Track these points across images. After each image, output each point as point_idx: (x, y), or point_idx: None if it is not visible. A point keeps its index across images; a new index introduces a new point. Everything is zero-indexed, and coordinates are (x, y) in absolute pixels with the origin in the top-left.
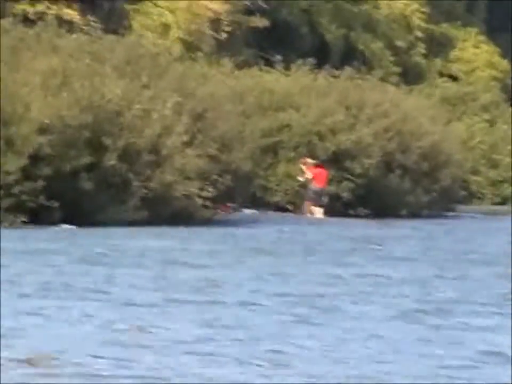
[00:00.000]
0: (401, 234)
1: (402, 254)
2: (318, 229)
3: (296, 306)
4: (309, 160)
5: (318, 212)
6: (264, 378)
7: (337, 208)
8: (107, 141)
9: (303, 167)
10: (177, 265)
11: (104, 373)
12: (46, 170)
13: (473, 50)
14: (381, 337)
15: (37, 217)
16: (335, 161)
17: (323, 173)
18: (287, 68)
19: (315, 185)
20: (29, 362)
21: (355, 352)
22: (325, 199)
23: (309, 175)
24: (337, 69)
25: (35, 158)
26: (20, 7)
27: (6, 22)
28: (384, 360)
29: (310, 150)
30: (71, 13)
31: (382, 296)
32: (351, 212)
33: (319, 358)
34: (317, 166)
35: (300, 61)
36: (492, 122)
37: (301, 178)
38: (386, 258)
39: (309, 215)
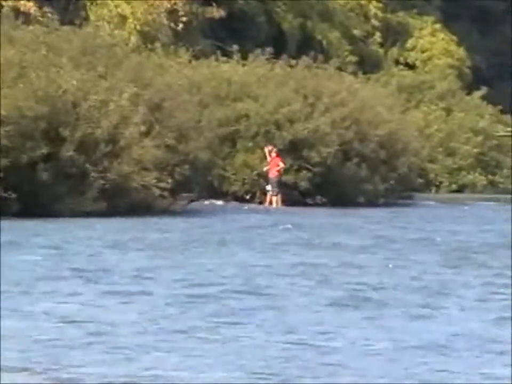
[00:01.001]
0: (347, 222)
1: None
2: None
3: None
4: (273, 148)
5: (276, 202)
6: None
7: (295, 197)
8: (64, 132)
9: (268, 154)
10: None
11: None
12: (3, 162)
13: (430, 38)
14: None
15: None
16: (293, 150)
17: (280, 162)
18: (244, 58)
19: (274, 175)
20: None
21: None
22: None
23: (273, 162)
24: (294, 58)
25: None
26: None
27: None
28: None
29: (268, 140)
30: (27, 5)
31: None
32: (309, 200)
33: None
34: (276, 154)
35: (257, 51)
36: (448, 111)
37: (265, 168)
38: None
39: (266, 205)
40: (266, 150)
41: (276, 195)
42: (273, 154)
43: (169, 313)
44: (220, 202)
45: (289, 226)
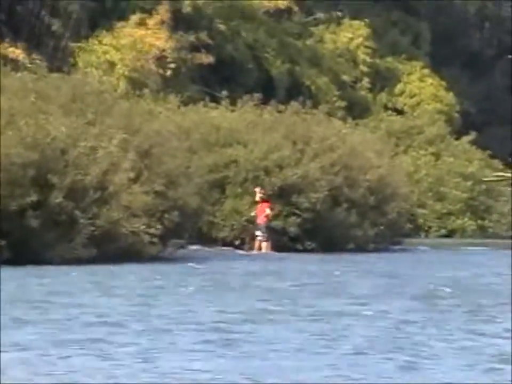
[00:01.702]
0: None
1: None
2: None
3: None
4: (261, 192)
5: (265, 247)
6: None
7: (284, 243)
8: (53, 179)
9: (258, 196)
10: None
11: None
12: None
13: (418, 83)
14: None
15: None
16: (282, 196)
17: (269, 207)
18: (233, 104)
19: (262, 220)
20: None
21: None
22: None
23: (261, 208)
24: (283, 104)
25: None
26: None
27: None
28: None
29: (257, 186)
30: (16, 51)
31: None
32: (299, 246)
33: None
34: (263, 200)
35: (245, 97)
36: (437, 156)
37: (253, 213)
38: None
39: (255, 251)
40: (257, 190)
41: (266, 241)
42: (259, 196)
43: None
44: (208, 249)
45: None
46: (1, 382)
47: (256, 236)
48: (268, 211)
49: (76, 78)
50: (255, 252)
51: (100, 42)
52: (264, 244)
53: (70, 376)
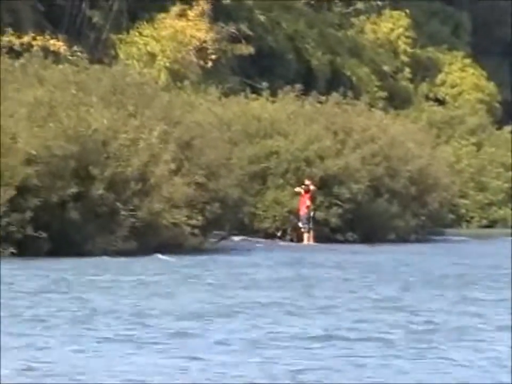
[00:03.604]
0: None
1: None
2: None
3: None
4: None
5: (307, 238)
6: None
7: (325, 233)
8: (94, 171)
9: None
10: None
11: None
12: (34, 201)
13: (459, 73)
14: None
15: (25, 248)
16: (323, 186)
17: (308, 200)
18: (273, 95)
19: (303, 212)
20: None
21: None
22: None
23: (302, 200)
24: (323, 95)
25: (22, 189)
26: (5, 39)
27: None
28: None
29: (298, 177)
30: (57, 44)
31: None
32: (340, 237)
33: None
34: (305, 191)
35: (286, 88)
36: (479, 146)
37: (298, 189)
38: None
39: (303, 242)
40: (307, 182)
41: (308, 232)
42: (302, 187)
43: None
44: (251, 240)
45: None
46: (1, 382)
47: (300, 227)
48: (308, 202)
49: (116, 70)
50: (296, 243)
51: (141, 34)
52: (305, 235)
53: None
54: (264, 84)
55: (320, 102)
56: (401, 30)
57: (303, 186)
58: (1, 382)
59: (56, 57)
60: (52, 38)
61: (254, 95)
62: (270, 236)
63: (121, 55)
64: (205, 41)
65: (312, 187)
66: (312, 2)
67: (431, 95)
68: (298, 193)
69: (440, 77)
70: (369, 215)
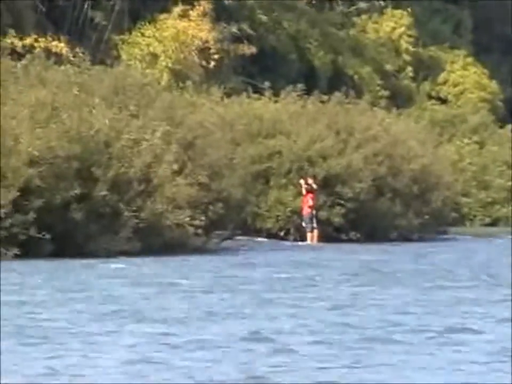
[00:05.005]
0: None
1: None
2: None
3: None
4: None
5: (310, 238)
6: None
7: (328, 233)
8: (97, 172)
9: (303, 187)
10: None
11: None
12: (37, 203)
13: (462, 72)
14: None
15: (29, 249)
16: (326, 186)
17: (310, 199)
18: (275, 95)
19: (306, 212)
20: None
21: None
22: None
23: (305, 200)
24: (326, 94)
25: (25, 190)
26: (7, 41)
27: None
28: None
29: (301, 176)
30: (59, 45)
31: None
32: (343, 236)
33: None
34: (307, 191)
35: (288, 87)
36: (481, 144)
37: (304, 185)
38: None
39: (306, 242)
40: (310, 181)
41: (311, 231)
42: (304, 187)
43: None
44: (255, 239)
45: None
46: (1, 382)
47: (304, 226)
48: (311, 202)
49: (118, 71)
50: (300, 242)
51: (143, 34)
52: (309, 235)
53: None
54: (266, 84)
55: (323, 102)
56: (403, 29)
57: (305, 185)
58: (1, 382)
59: (58, 58)
60: (53, 40)
61: (256, 95)
62: (273, 235)
63: (123, 56)
64: (207, 41)
65: (314, 186)
66: (314, 1)
67: (433, 93)
68: (300, 186)
69: (442, 75)
70: (372, 214)
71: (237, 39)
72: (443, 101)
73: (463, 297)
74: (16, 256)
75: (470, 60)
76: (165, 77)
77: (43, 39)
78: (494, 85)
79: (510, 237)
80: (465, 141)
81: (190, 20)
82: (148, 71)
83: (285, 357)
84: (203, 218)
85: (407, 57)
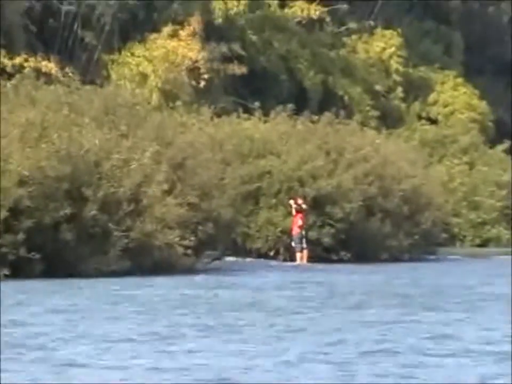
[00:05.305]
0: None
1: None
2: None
3: None
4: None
5: (300, 258)
6: None
7: (318, 253)
8: (87, 192)
9: (293, 207)
10: None
11: None
12: (27, 223)
13: (452, 92)
14: None
15: (18, 269)
16: (316, 206)
17: (300, 219)
18: (265, 115)
19: (296, 231)
20: None
21: None
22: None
23: (295, 220)
24: (316, 114)
25: (15, 211)
26: None
27: None
28: None
29: (291, 197)
30: (48, 65)
31: None
32: (333, 256)
33: None
34: (297, 211)
35: (278, 108)
36: (471, 165)
37: (293, 205)
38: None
39: (296, 262)
40: (291, 202)
41: (300, 251)
42: (294, 207)
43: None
44: (244, 260)
45: None
46: (1, 382)
47: (291, 246)
48: (300, 222)
49: (108, 91)
50: (289, 262)
51: (133, 54)
52: (298, 255)
53: None
54: (257, 104)
55: (313, 122)
56: (393, 49)
57: (295, 206)
58: (1, 382)
59: (48, 78)
60: (43, 60)
61: (246, 115)
62: (262, 255)
63: (113, 76)
64: (197, 61)
65: (304, 206)
66: (304, 22)
67: (423, 114)
68: (290, 206)
69: (433, 96)
70: (362, 234)
71: (227, 59)
72: (433, 121)
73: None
74: (6, 277)
75: (460, 80)
76: (155, 96)
77: (33, 59)
78: (484, 106)
79: (501, 257)
80: (455, 161)
81: (180, 40)
82: (137, 90)
83: None
84: (193, 238)
85: (397, 78)
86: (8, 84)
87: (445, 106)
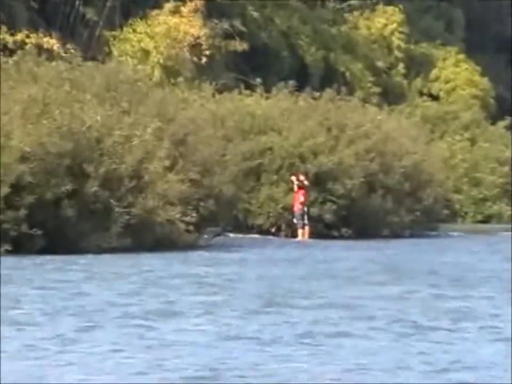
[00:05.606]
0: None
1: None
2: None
3: None
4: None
5: (301, 234)
6: None
7: (320, 229)
8: (88, 168)
9: (295, 183)
10: None
11: None
12: (28, 199)
13: (453, 69)
14: None
15: (20, 245)
16: (317, 183)
17: (302, 195)
18: (267, 91)
19: (297, 208)
20: None
21: None
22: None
23: (296, 196)
24: (317, 91)
25: (17, 187)
26: None
27: None
28: None
29: (292, 173)
30: (50, 41)
31: None
32: (335, 233)
33: None
34: (299, 187)
35: (280, 84)
36: (473, 141)
37: (295, 182)
38: None
39: (298, 238)
40: (302, 177)
41: (302, 228)
42: (296, 183)
43: None
44: (246, 236)
45: None
46: (1, 382)
47: (293, 223)
48: (302, 198)
49: (109, 67)
50: (291, 239)
51: (134, 30)
52: (300, 231)
53: None
54: (258, 80)
55: (314, 98)
56: (394, 25)
57: (297, 182)
58: (1, 382)
59: (50, 54)
60: (45, 36)
61: (248, 92)
62: (264, 232)
63: (115, 52)
64: (198, 38)
65: (306, 183)
66: None
67: (425, 90)
68: (292, 183)
69: (434, 72)
70: (363, 211)
71: (228, 36)
72: (435, 98)
73: None
74: (8, 252)
75: (461, 56)
76: (157, 73)
77: (34, 35)
78: (485, 82)
79: (503, 233)
80: (457, 137)
81: (181, 16)
82: (139, 67)
83: None
84: (194, 214)
85: (398, 54)
86: (10, 60)
87: (447, 82)
